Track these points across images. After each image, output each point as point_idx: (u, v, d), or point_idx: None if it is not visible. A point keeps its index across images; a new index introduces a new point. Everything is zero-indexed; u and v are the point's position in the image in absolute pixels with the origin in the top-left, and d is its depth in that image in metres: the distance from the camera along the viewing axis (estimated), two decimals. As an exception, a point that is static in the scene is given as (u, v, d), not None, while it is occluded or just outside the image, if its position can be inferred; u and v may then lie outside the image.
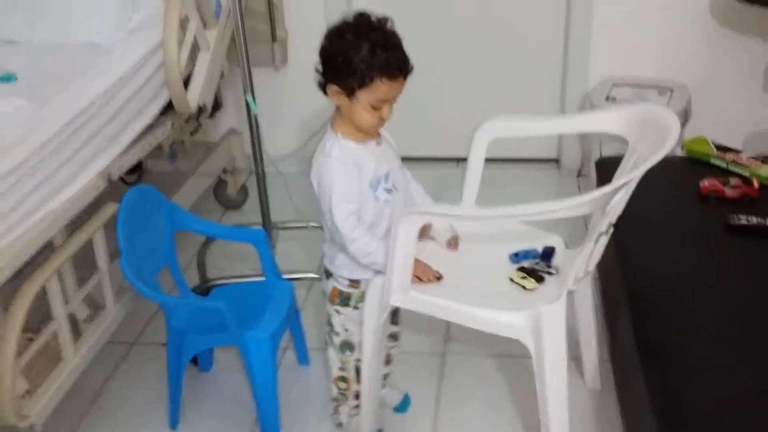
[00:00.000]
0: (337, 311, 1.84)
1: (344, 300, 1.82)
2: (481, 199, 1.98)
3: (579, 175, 3.23)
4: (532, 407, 1.71)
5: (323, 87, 1.65)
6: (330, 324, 1.87)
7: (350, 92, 1.61)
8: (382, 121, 1.65)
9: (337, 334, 1.86)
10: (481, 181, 2.00)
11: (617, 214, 1.68)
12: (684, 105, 2.80)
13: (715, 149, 2.29)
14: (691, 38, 2.96)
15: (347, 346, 1.87)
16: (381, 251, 1.67)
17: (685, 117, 2.81)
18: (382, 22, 1.62)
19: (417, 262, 1.70)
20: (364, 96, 1.60)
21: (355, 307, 1.81)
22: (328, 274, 1.82)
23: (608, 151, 2.66)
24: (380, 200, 1.70)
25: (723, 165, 2.23)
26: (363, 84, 1.59)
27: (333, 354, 1.90)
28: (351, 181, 1.65)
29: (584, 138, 3.15)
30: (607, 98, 2.87)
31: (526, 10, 3.10)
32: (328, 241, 1.78)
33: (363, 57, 1.57)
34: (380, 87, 1.59)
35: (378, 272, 1.73)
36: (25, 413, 1.71)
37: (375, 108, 1.62)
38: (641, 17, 2.97)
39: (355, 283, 1.79)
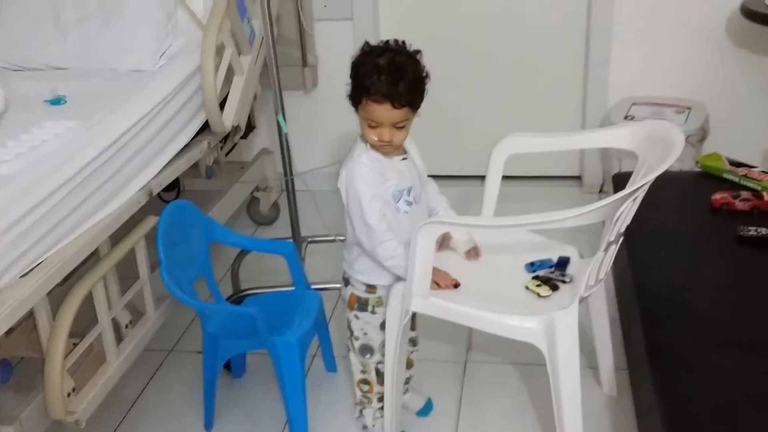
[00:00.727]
0: (356, 316, 1.93)
1: (362, 305, 1.91)
2: (503, 214, 2.04)
3: (601, 191, 3.31)
4: (552, 415, 1.76)
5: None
6: (350, 329, 1.97)
7: (356, 105, 1.73)
8: (382, 142, 1.73)
9: (357, 338, 1.96)
10: (505, 197, 2.08)
11: (626, 223, 1.75)
12: (701, 123, 2.87)
13: (728, 164, 2.36)
14: (708, 58, 3.04)
15: (367, 349, 1.97)
16: (404, 256, 1.75)
17: (702, 134, 2.88)
18: (402, 49, 1.71)
19: (435, 269, 1.79)
20: (361, 112, 1.72)
21: (373, 312, 1.91)
22: (347, 282, 1.93)
23: (627, 167, 2.74)
24: (400, 211, 1.80)
25: (735, 179, 2.30)
26: (358, 101, 1.71)
27: (354, 358, 2.00)
28: (378, 185, 1.75)
29: (605, 155, 3.23)
30: (626, 117, 2.95)
31: (547, 31, 3.20)
32: (349, 246, 1.88)
33: (360, 76, 1.68)
34: (367, 108, 1.69)
35: (398, 278, 1.82)
36: (71, 409, 1.82)
37: (371, 127, 1.72)
38: (660, 38, 3.06)
39: (371, 288, 1.89)
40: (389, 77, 1.66)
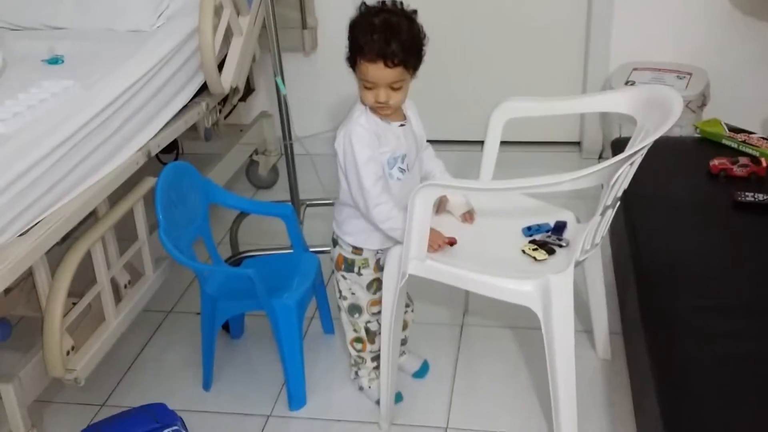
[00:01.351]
0: (343, 276, 1.96)
1: (349, 266, 1.93)
2: (502, 179, 2.04)
3: (600, 157, 3.31)
4: (546, 378, 1.78)
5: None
6: (339, 289, 1.99)
7: (353, 67, 1.73)
8: (378, 103, 1.72)
9: (345, 298, 1.99)
10: (504, 162, 2.08)
11: (623, 188, 1.76)
12: (702, 89, 2.86)
13: (727, 130, 2.35)
14: (710, 24, 3.01)
15: (355, 308, 1.99)
16: (400, 218, 1.76)
17: (702, 100, 2.87)
18: (398, 8, 1.71)
19: (430, 229, 1.79)
20: (357, 73, 1.72)
21: (359, 273, 1.93)
22: (335, 243, 1.94)
23: (627, 133, 2.74)
24: (393, 178, 1.81)
25: (734, 145, 2.30)
26: (354, 61, 1.71)
27: (345, 318, 2.03)
28: (374, 149, 1.75)
29: (605, 121, 3.22)
30: (627, 82, 2.94)
31: (548, -2, 3.18)
32: (339, 206, 1.89)
33: (355, 36, 1.68)
34: (362, 68, 1.69)
35: (386, 244, 1.84)
36: (70, 367, 1.84)
37: (367, 88, 1.71)
38: (662, 3, 3.03)
39: (357, 250, 1.91)
40: (382, 36, 1.66)
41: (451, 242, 1.84)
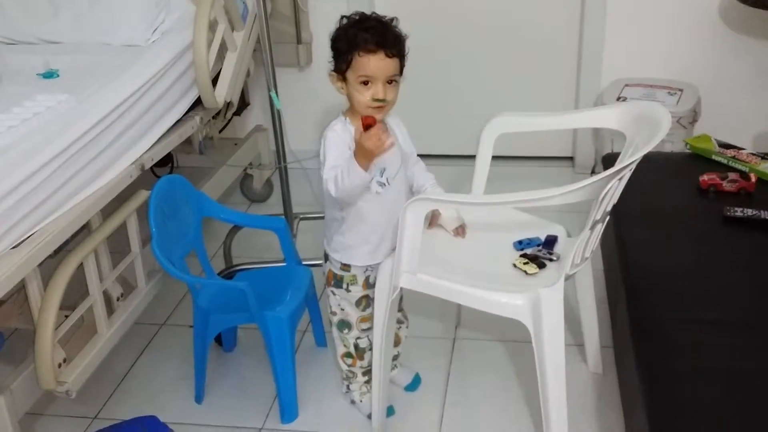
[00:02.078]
0: (333, 292, 1.97)
1: (338, 282, 1.95)
2: (494, 193, 2.06)
3: (593, 172, 3.32)
4: (537, 390, 1.79)
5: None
6: (329, 305, 2.00)
7: (343, 76, 1.75)
8: (375, 101, 1.74)
9: (335, 313, 2.00)
10: (497, 177, 2.10)
11: (612, 202, 1.77)
12: (693, 105, 2.89)
13: (717, 146, 2.37)
14: (701, 40, 3.04)
15: (344, 324, 2.00)
16: (344, 168, 1.72)
17: (693, 116, 2.89)
18: (380, 17, 1.77)
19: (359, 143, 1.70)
20: (351, 75, 1.74)
21: (347, 290, 1.94)
22: (326, 258, 1.96)
23: (619, 149, 2.76)
24: (371, 191, 1.82)
25: (724, 161, 2.32)
26: (349, 63, 1.73)
27: (335, 332, 2.04)
28: (345, 154, 1.76)
29: (597, 136, 3.24)
30: (619, 98, 2.96)
31: (540, 12, 3.21)
32: (327, 222, 1.91)
33: (346, 39, 1.72)
34: (360, 62, 1.72)
35: (374, 259, 1.87)
36: (61, 380, 1.84)
37: (364, 84, 1.74)
38: (654, 20, 3.07)
39: (346, 266, 1.92)
40: (377, 29, 1.72)
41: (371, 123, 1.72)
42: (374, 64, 1.72)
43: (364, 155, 1.68)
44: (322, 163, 1.79)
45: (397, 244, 1.77)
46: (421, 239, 1.77)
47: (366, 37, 1.71)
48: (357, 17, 1.76)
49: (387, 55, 1.72)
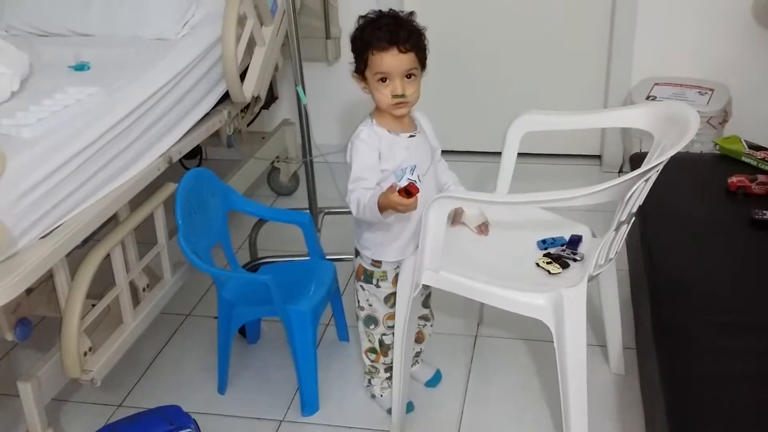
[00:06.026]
0: (362, 287, 1.97)
1: (368, 277, 1.95)
2: (520, 191, 2.05)
3: (620, 171, 3.30)
4: (558, 389, 1.79)
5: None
6: (357, 299, 2.01)
7: (363, 76, 1.76)
8: (395, 98, 1.75)
9: (362, 308, 2.00)
10: (524, 174, 2.09)
11: (638, 203, 1.76)
12: (723, 105, 2.85)
13: (747, 147, 2.34)
14: (733, 40, 3.00)
15: (371, 320, 2.01)
16: (367, 198, 1.74)
17: (723, 117, 2.86)
18: (396, 13, 1.77)
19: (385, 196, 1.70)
20: (369, 74, 1.76)
21: (377, 285, 1.95)
22: (357, 253, 1.96)
23: (647, 148, 2.73)
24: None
25: (753, 163, 2.29)
26: (366, 63, 1.74)
27: (361, 327, 2.04)
28: (370, 162, 1.78)
29: (625, 135, 3.21)
30: (648, 97, 2.93)
31: (571, 10, 3.18)
32: (356, 219, 1.91)
33: (362, 38, 1.74)
34: (374, 60, 1.73)
35: (405, 254, 1.85)
36: (87, 368, 1.87)
37: (382, 81, 1.75)
38: (685, 18, 3.03)
39: (377, 263, 1.92)
40: (389, 26, 1.73)
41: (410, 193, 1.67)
42: (388, 61, 1.73)
43: (388, 205, 1.69)
44: (349, 171, 1.80)
45: (420, 242, 1.78)
46: (443, 237, 1.78)
47: (378, 35, 1.72)
48: (373, 16, 1.78)
49: (400, 51, 1.72)
